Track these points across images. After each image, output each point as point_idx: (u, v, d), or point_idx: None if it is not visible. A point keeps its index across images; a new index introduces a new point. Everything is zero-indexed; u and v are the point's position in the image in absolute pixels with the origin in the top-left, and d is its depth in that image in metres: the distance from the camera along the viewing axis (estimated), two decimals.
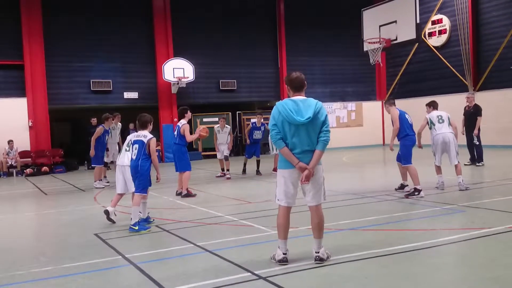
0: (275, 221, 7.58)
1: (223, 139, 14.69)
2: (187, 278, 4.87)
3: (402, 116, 9.54)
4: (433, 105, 10.33)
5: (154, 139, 7.31)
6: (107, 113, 13.84)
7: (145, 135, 7.28)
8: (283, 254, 5.19)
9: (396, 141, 9.70)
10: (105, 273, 5.26)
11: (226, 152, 14.52)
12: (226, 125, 14.88)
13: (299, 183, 5.20)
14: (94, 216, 8.90)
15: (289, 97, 5.32)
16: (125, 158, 7.87)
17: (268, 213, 8.24)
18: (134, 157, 7.31)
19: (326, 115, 5.20)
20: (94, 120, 19.21)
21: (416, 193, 9.08)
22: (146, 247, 6.33)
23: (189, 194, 10.52)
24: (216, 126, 15.04)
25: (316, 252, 5.18)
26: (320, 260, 5.13)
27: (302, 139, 5.10)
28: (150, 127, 7.50)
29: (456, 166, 9.83)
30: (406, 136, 9.47)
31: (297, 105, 5.11)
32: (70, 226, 8.09)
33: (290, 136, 5.10)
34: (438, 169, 10.13)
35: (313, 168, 5.10)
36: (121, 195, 8.05)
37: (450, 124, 9.97)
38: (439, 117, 9.97)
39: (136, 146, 7.28)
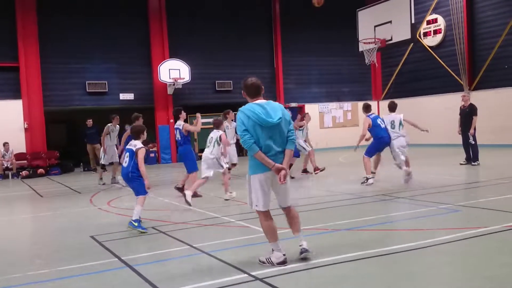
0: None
1: (231, 136, 12.68)
2: (184, 280, 4.86)
3: (374, 122, 11.10)
4: (389, 107, 11.80)
5: (143, 149, 7.55)
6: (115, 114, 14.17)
7: (135, 144, 7.57)
8: (283, 255, 5.18)
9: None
10: (101, 275, 5.25)
11: (236, 160, 12.80)
12: (232, 121, 12.82)
13: (277, 184, 5.19)
14: (90, 218, 8.88)
15: (248, 102, 5.35)
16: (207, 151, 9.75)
17: None
18: (125, 165, 7.61)
19: (290, 115, 5.36)
20: (90, 122, 19.16)
21: (366, 181, 10.92)
22: (143, 249, 6.31)
23: (196, 195, 10.19)
24: (224, 122, 12.10)
25: (300, 246, 5.25)
26: (306, 251, 5.19)
27: (276, 141, 5.14)
28: (143, 136, 7.77)
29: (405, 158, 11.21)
30: (380, 138, 11.14)
31: (264, 108, 5.16)
32: (66, 228, 8.06)
33: (263, 139, 5.11)
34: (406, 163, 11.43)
35: (287, 168, 5.19)
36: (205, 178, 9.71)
37: (402, 126, 11.38)
38: (392, 122, 11.44)
39: (127, 154, 7.63)
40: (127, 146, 7.75)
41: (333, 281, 4.66)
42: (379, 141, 11.19)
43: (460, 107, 14.56)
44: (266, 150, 5.09)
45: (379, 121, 11.19)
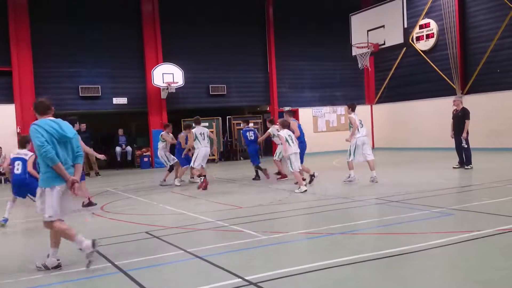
0: (266, 226, 7.60)
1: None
2: (178, 285, 4.85)
3: (300, 127, 12.31)
4: (351, 107, 12.42)
5: (33, 156, 8.59)
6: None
7: (25, 153, 8.71)
8: (58, 260, 5.63)
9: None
10: (94, 280, 5.23)
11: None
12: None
13: (66, 196, 5.59)
14: (83, 223, 8.84)
15: (37, 119, 5.62)
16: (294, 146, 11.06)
17: (259, 218, 8.24)
18: (19, 172, 8.60)
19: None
20: (83, 126, 19.12)
21: (312, 178, 12.02)
22: (136, 254, 6.28)
23: (91, 203, 10.44)
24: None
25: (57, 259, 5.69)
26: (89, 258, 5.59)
27: (69, 154, 5.55)
28: (29, 146, 8.78)
29: (370, 161, 11.93)
30: (300, 143, 11.87)
31: (57, 123, 5.51)
32: None
33: (60, 152, 5.44)
34: (352, 165, 12.18)
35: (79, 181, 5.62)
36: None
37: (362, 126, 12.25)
38: (360, 121, 12.25)
39: (19, 162, 8.63)
40: (16, 155, 8.70)
41: (327, 285, 4.66)
42: (300, 145, 11.85)
43: (453, 112, 14.63)
44: (63, 163, 5.44)
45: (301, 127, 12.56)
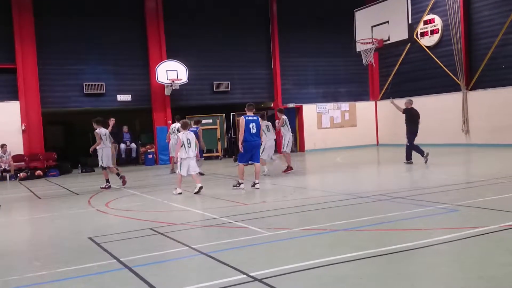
0: (270, 223, 7.62)
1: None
2: (182, 281, 4.86)
3: (246, 124, 11.34)
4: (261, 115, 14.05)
5: None
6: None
7: None
8: None
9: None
10: (100, 277, 5.25)
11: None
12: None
13: None
14: (88, 219, 8.88)
15: None
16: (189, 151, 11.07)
17: (263, 215, 8.26)
18: None
19: None
20: (113, 121, 18.94)
21: (238, 185, 11.49)
22: (141, 250, 6.31)
23: None
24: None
25: None
26: None
27: None
28: None
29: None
30: (245, 141, 11.43)
31: None
32: (64, 230, 8.06)
33: None
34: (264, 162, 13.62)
35: None
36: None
37: (270, 130, 13.89)
38: (267, 126, 13.81)
39: None
40: None
41: (331, 282, 4.66)
42: (248, 144, 11.44)
43: None
44: None
45: (251, 125, 11.40)
